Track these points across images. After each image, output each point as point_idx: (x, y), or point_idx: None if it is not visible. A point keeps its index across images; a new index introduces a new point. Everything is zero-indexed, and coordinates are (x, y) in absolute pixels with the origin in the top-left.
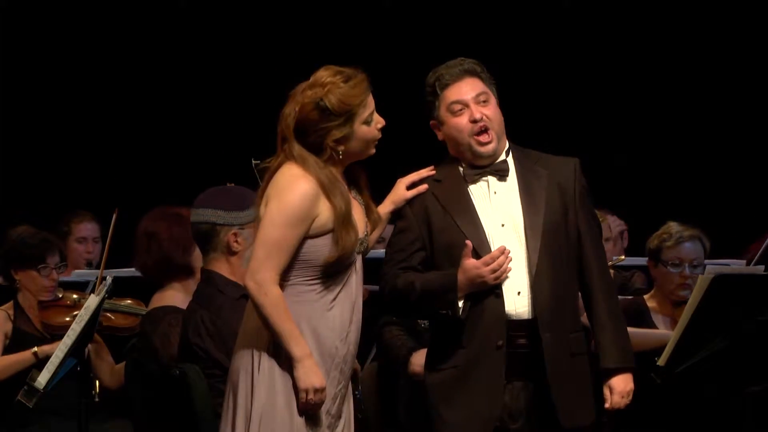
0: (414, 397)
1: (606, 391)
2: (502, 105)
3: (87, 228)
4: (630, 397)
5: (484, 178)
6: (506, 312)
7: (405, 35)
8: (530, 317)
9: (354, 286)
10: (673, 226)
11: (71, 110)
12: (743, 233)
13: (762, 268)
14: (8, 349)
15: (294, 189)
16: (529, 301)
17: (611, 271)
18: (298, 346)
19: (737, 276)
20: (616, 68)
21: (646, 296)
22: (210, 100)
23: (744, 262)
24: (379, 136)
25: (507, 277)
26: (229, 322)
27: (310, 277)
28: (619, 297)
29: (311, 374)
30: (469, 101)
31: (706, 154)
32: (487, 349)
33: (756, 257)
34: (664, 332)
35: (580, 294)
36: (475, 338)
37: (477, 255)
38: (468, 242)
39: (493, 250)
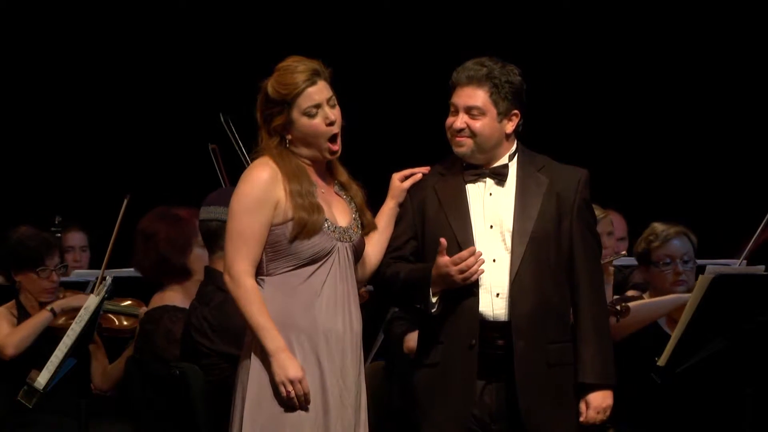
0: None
1: (582, 406)
2: None
3: (74, 237)
4: (607, 414)
5: (482, 179)
6: (480, 312)
7: (405, 35)
8: (507, 320)
9: (341, 273)
10: (658, 227)
11: (69, 111)
12: (737, 233)
13: (762, 268)
14: None
15: (248, 178)
16: (506, 304)
17: (611, 267)
18: (271, 340)
19: (737, 276)
20: (614, 69)
21: (644, 297)
22: (209, 99)
23: (744, 262)
24: (326, 130)
25: (484, 278)
26: (231, 316)
27: (293, 265)
28: (619, 296)
29: (286, 366)
30: (460, 109)
31: (696, 154)
32: (461, 347)
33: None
34: (676, 297)
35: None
36: (451, 336)
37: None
38: (442, 240)
39: (477, 250)
